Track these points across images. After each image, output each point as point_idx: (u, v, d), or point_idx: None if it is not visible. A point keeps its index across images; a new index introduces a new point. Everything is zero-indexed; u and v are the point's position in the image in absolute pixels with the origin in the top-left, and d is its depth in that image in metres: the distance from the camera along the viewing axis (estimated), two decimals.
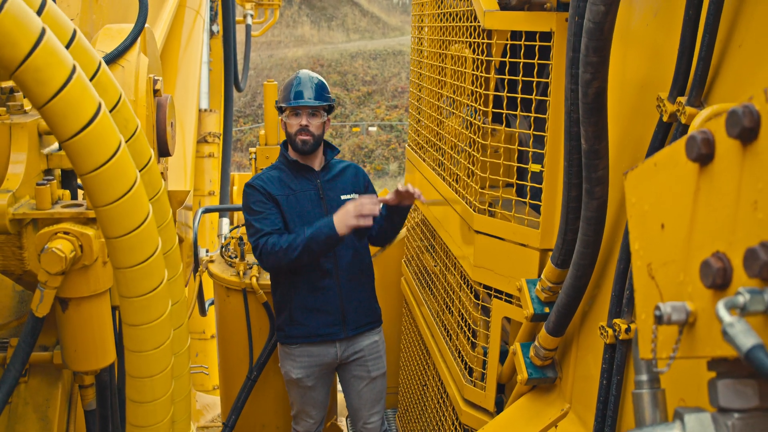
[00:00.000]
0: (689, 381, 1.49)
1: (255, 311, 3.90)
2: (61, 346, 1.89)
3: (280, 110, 3.39)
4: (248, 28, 9.67)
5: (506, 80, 2.40)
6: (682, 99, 1.60)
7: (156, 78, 2.37)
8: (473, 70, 2.63)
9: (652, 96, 1.74)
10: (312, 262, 3.15)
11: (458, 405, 2.84)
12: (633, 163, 1.89)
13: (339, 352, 3.35)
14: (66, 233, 1.63)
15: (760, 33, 1.38)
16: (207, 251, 5.07)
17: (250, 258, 3.97)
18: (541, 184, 2.35)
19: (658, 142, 1.71)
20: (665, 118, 1.65)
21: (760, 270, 0.71)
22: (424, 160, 3.54)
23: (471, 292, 2.76)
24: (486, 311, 2.70)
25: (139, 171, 1.50)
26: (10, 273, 1.85)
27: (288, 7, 33.08)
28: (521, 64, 2.37)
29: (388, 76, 28.73)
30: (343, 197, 3.32)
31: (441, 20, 3.19)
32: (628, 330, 1.80)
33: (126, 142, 1.43)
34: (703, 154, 0.81)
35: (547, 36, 2.27)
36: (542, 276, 2.23)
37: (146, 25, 2.37)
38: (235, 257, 4.04)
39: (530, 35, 2.33)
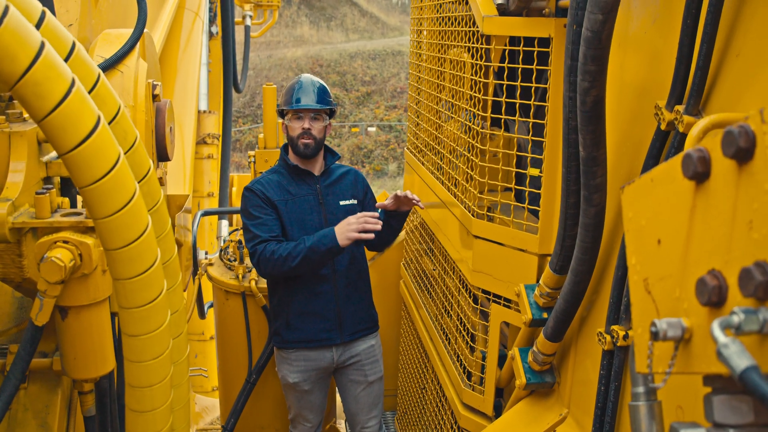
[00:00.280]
0: (687, 388, 1.49)
1: (254, 315, 3.90)
2: (60, 354, 1.89)
3: (282, 114, 3.40)
4: (247, 29, 9.67)
5: (505, 85, 2.40)
6: (680, 107, 1.60)
7: (155, 83, 2.37)
8: (472, 74, 2.63)
9: (650, 102, 1.74)
10: (310, 272, 3.16)
11: (457, 409, 2.85)
12: (632, 170, 1.89)
13: (335, 356, 3.36)
14: (65, 242, 1.64)
15: (758, 42, 1.38)
16: (206, 253, 5.08)
17: (249, 261, 3.97)
18: (539, 189, 2.36)
19: (655, 150, 1.71)
20: (663, 127, 1.66)
21: (755, 290, 0.71)
22: (423, 164, 3.55)
23: (470, 296, 2.77)
24: (485, 315, 2.70)
25: (138, 182, 1.50)
26: (9, 280, 1.85)
27: (287, 8, 33.05)
28: (520, 69, 2.38)
29: (387, 76, 28.71)
30: (342, 203, 3.33)
31: (440, 24, 3.19)
32: (626, 337, 1.80)
33: (125, 153, 1.43)
34: (699, 172, 0.81)
35: (545, 42, 2.28)
36: (540, 281, 2.24)
37: (145, 30, 2.38)
38: (234, 260, 4.04)
39: (529, 41, 2.34)
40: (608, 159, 1.83)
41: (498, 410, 2.70)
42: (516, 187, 2.45)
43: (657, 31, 1.79)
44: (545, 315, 2.25)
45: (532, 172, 2.42)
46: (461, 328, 2.89)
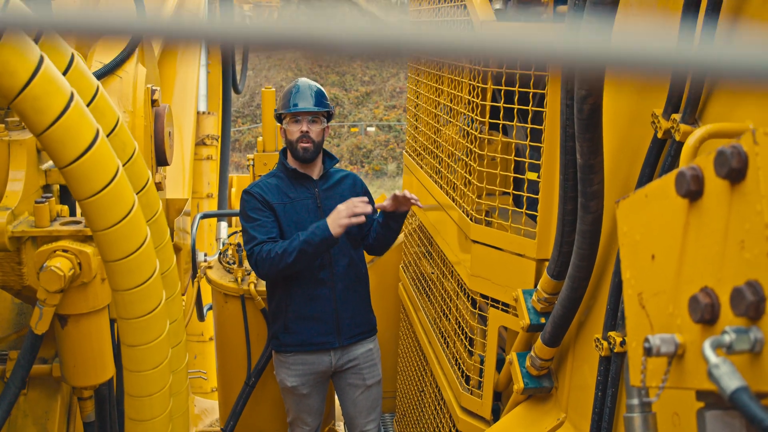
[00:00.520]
0: (683, 396, 1.49)
1: (253, 317, 3.91)
2: (60, 362, 1.90)
3: (279, 118, 3.40)
4: None
5: (503, 90, 2.41)
6: (677, 116, 1.61)
7: (154, 88, 2.38)
8: (470, 79, 2.64)
9: (647, 110, 1.75)
10: (307, 267, 3.16)
11: (455, 412, 2.85)
12: (629, 177, 1.90)
13: (333, 360, 3.36)
14: (64, 251, 1.64)
15: None
16: (205, 255, 5.07)
17: (248, 264, 3.97)
18: (537, 193, 2.37)
19: (652, 158, 1.72)
20: (660, 135, 1.67)
21: (746, 309, 0.72)
22: (421, 167, 3.55)
23: (468, 300, 2.77)
24: (483, 319, 2.71)
25: (137, 193, 1.51)
26: (9, 288, 1.86)
27: (286, 7, 33.00)
28: (517, 74, 2.38)
29: (386, 76, 28.70)
30: None
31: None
32: (623, 343, 1.81)
33: (124, 165, 1.44)
34: (693, 190, 0.82)
35: None
36: (538, 287, 2.24)
37: None
38: (233, 263, 4.04)
39: None
40: (605, 166, 1.84)
41: (496, 414, 2.71)
42: (514, 191, 2.46)
43: None
44: (543, 320, 2.26)
45: (531, 176, 2.43)
46: (459, 332, 2.90)
